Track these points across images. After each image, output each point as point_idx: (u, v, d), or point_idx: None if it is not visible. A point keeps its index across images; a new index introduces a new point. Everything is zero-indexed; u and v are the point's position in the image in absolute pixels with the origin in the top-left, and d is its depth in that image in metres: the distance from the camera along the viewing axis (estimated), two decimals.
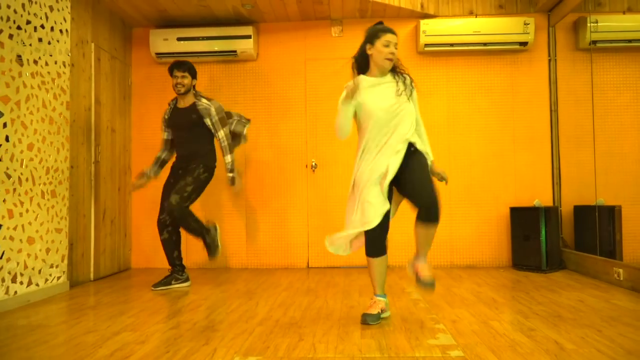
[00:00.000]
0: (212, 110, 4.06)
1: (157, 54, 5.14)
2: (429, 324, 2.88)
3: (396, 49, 2.93)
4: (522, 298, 3.52)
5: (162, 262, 5.11)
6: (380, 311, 2.92)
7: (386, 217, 2.88)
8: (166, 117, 4.22)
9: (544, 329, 2.71)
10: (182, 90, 4.07)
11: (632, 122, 4.50)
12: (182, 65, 4.08)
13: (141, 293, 3.94)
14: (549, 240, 4.66)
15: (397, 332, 2.71)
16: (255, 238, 5.19)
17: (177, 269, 4.15)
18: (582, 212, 4.74)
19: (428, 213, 2.77)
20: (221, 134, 4.08)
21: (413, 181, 2.83)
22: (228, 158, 4.08)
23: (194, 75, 4.13)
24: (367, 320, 2.88)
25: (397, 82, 2.95)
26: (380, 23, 3.05)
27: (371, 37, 2.94)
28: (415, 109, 2.97)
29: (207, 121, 4.07)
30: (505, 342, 2.50)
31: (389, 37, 2.90)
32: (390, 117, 2.86)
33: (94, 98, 4.59)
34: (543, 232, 4.63)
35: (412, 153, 2.89)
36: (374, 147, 2.88)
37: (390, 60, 2.91)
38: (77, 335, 2.73)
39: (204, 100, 4.11)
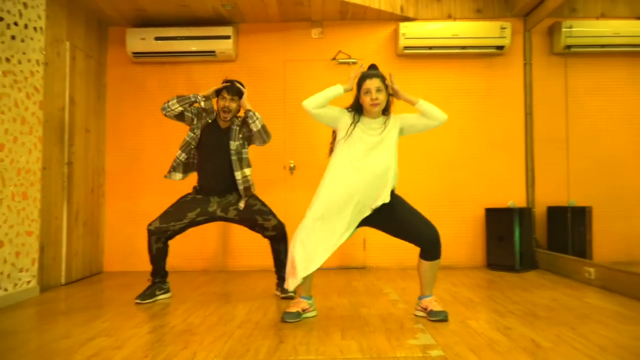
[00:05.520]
0: None
1: (134, 53, 5.08)
2: (408, 324, 2.90)
3: (379, 92, 2.96)
4: (498, 297, 3.57)
5: (134, 265, 5.10)
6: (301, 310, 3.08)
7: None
8: None
9: (520, 328, 2.76)
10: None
11: (604, 125, 4.59)
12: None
13: (115, 297, 3.86)
14: (523, 241, 4.73)
15: (377, 333, 2.71)
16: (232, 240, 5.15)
17: (162, 280, 3.85)
18: (555, 213, 4.82)
19: (435, 250, 2.96)
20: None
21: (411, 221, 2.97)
22: None
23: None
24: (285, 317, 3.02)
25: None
26: (372, 67, 3.09)
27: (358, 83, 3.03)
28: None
29: None
30: (484, 341, 2.53)
31: (367, 83, 2.96)
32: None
33: (68, 98, 4.50)
34: (517, 233, 4.69)
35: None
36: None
37: (374, 105, 2.97)
38: (49, 342, 2.66)
39: None
